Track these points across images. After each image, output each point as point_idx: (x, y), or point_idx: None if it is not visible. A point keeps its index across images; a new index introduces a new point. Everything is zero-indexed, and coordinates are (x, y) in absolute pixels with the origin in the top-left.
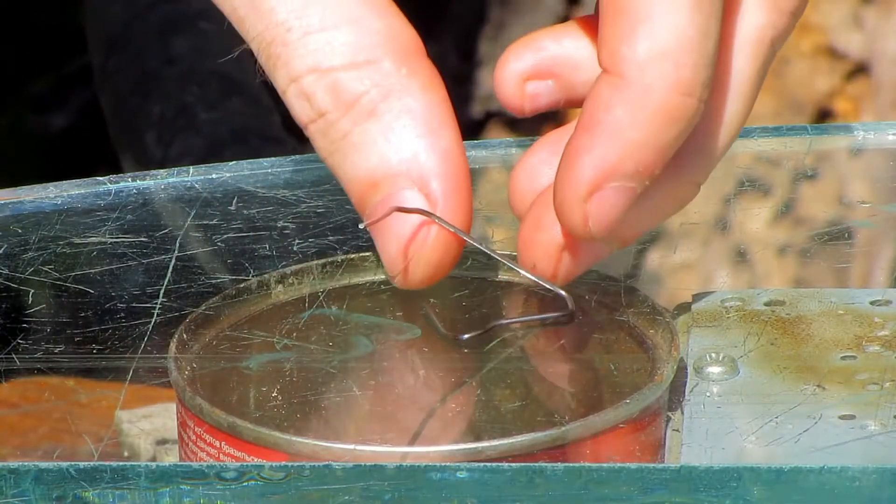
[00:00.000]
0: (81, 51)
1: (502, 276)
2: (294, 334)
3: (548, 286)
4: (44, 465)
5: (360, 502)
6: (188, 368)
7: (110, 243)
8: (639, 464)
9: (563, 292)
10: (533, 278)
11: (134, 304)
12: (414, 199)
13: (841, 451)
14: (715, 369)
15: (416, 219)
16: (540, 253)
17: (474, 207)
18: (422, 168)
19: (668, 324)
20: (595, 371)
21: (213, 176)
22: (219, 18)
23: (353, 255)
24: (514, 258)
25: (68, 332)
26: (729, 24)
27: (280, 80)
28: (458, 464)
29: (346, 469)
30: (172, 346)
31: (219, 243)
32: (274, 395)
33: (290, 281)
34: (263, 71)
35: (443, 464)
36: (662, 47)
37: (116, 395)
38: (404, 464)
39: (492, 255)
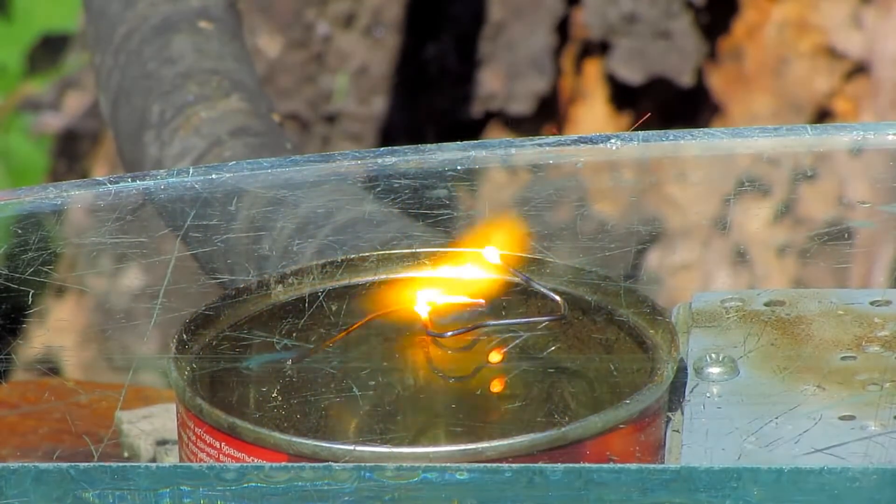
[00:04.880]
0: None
1: (502, 278)
2: (294, 334)
3: (542, 289)
4: (44, 465)
5: (360, 502)
6: (188, 369)
7: (110, 243)
8: (639, 464)
9: (556, 296)
10: (527, 280)
11: (134, 304)
12: None
13: (841, 451)
14: (715, 370)
15: None
16: None
17: (475, 207)
18: None
19: (668, 324)
20: (595, 371)
21: (213, 176)
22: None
23: (352, 255)
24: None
25: (68, 332)
26: None
27: None
28: (458, 464)
29: (346, 469)
30: (172, 347)
31: (219, 243)
32: (274, 395)
33: (290, 281)
34: None
35: (443, 464)
36: None
37: (116, 395)
38: (404, 464)
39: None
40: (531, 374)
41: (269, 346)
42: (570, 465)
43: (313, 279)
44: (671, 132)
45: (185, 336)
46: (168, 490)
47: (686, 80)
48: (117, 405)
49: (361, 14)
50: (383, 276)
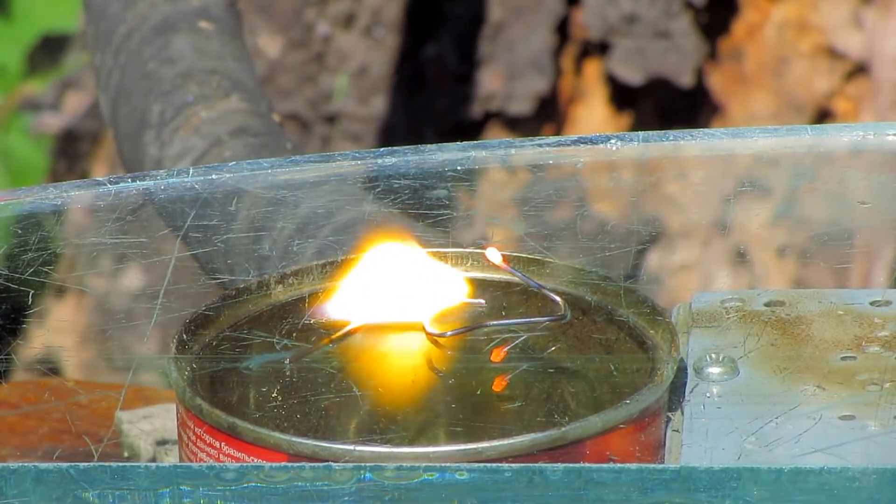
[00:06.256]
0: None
1: (502, 277)
2: (294, 334)
3: (543, 290)
4: (44, 465)
5: (360, 502)
6: (188, 369)
7: (110, 243)
8: (639, 464)
9: (556, 297)
10: (528, 281)
11: (134, 304)
12: None
13: (841, 451)
14: (715, 370)
15: None
16: None
17: (475, 207)
18: None
19: (668, 324)
20: (595, 371)
21: (213, 176)
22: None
23: (353, 256)
24: (510, 260)
25: (68, 332)
26: None
27: None
28: (458, 464)
29: (346, 469)
30: (172, 347)
31: (219, 243)
32: (274, 395)
33: (290, 281)
34: None
35: (443, 464)
36: None
37: (116, 395)
38: (404, 464)
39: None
40: (531, 374)
41: (269, 346)
42: (570, 464)
43: (313, 279)
44: (671, 132)
45: (185, 336)
46: (168, 490)
47: (686, 80)
48: (117, 405)
49: (361, 14)
50: (383, 276)
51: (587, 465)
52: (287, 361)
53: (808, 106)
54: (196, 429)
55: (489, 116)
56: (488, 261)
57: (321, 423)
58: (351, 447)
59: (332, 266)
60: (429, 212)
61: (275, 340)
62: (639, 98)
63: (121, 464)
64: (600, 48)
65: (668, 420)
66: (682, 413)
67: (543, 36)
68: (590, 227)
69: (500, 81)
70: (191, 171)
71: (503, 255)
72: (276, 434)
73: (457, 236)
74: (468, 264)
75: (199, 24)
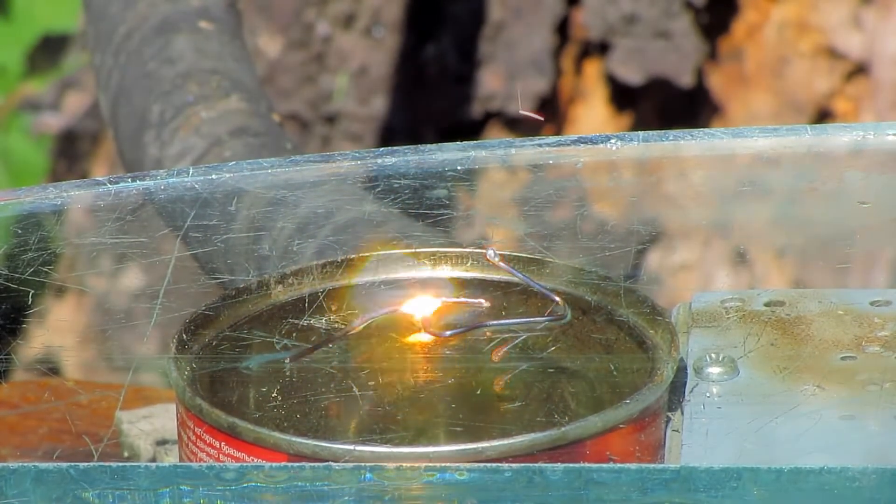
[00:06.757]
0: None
1: (502, 277)
2: (294, 334)
3: (543, 290)
4: (44, 465)
5: (360, 502)
6: (188, 369)
7: (110, 243)
8: (639, 464)
9: (556, 298)
10: (528, 281)
11: (134, 304)
12: None
13: (841, 451)
14: (715, 370)
15: None
16: None
17: (475, 207)
18: None
19: (668, 324)
20: (595, 371)
21: (213, 176)
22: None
23: (352, 255)
24: (511, 260)
25: (68, 332)
26: None
27: None
28: (458, 464)
29: (346, 469)
30: (172, 347)
31: (219, 243)
32: (274, 395)
33: (290, 281)
34: None
35: (443, 464)
36: None
37: (116, 395)
38: (404, 464)
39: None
40: (531, 374)
41: (269, 346)
42: (570, 464)
43: (313, 279)
44: (671, 132)
45: (185, 336)
46: (168, 490)
47: (686, 80)
48: (117, 405)
49: (361, 14)
50: (383, 276)
51: (587, 465)
52: (287, 361)
53: (808, 106)
54: (196, 429)
55: (489, 116)
56: (488, 261)
57: (321, 423)
58: (351, 447)
59: (332, 266)
60: (429, 212)
61: (275, 340)
62: (639, 98)
63: (121, 464)
64: (600, 48)
65: (668, 420)
66: (682, 413)
67: (543, 36)
68: (590, 227)
69: (500, 81)
70: (191, 171)
71: (503, 255)
72: (276, 434)
73: (457, 236)
74: (468, 264)
75: (199, 24)
